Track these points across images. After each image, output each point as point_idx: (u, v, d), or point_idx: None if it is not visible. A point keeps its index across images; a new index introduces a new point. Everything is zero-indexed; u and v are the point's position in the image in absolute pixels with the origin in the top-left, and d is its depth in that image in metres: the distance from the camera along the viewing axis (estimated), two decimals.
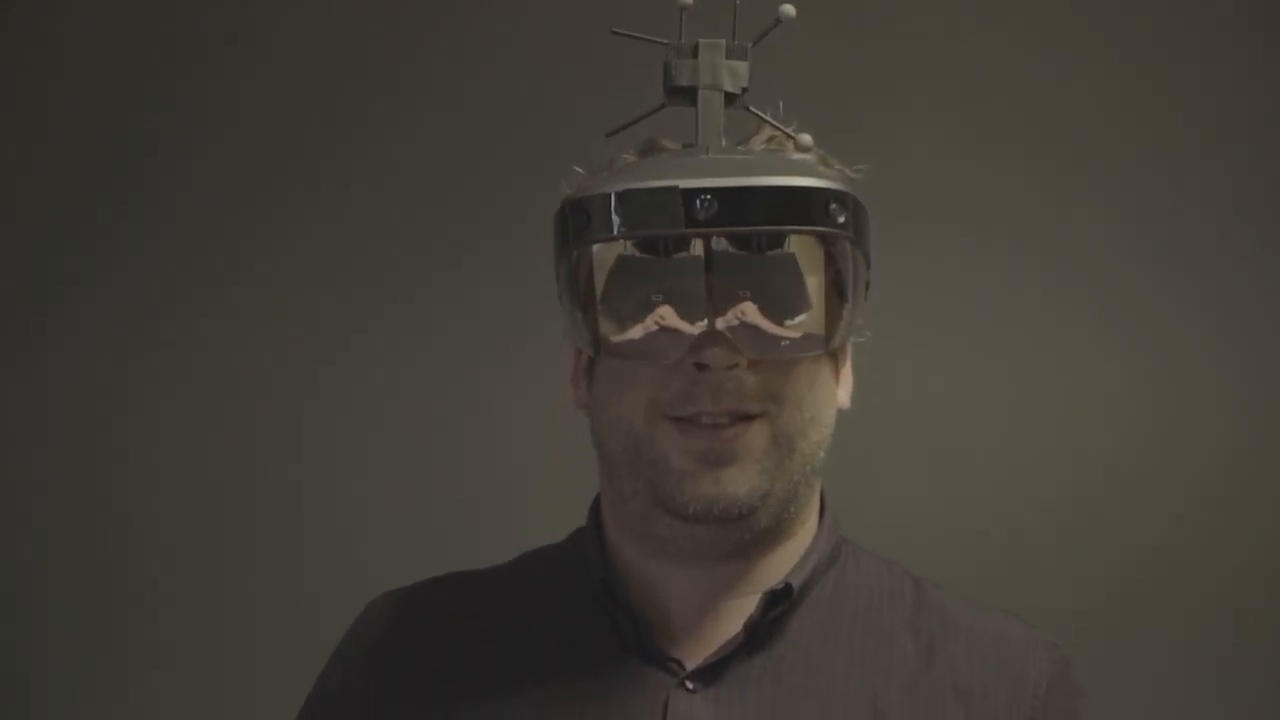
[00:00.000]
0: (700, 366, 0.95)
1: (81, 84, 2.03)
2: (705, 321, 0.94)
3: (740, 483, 0.96)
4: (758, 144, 1.01)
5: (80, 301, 2.00)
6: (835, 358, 1.03)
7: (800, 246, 0.95)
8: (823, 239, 0.95)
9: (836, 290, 0.97)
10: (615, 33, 0.97)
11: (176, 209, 2.00)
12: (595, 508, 1.08)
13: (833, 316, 0.97)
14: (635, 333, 0.96)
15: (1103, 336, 1.93)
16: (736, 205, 0.89)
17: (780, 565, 1.02)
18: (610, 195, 0.91)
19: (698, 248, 0.93)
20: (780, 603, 1.01)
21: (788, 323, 0.96)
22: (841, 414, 1.04)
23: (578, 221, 0.93)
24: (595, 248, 0.96)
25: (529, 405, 1.89)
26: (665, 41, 0.96)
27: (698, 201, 0.89)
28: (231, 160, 2.00)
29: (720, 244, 0.93)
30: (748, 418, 0.96)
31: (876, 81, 1.96)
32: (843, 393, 1.05)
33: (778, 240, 0.94)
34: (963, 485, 1.91)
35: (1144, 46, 1.97)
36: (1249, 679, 1.89)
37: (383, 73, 2.00)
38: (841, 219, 0.92)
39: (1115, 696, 1.83)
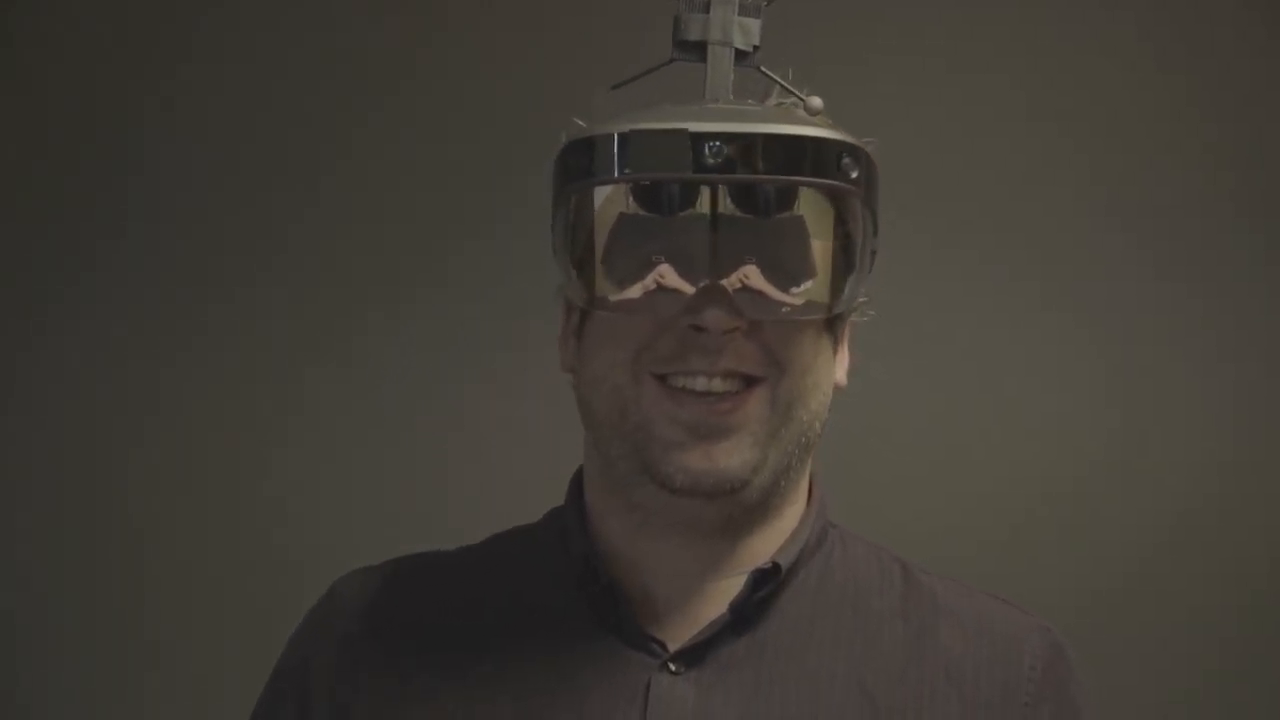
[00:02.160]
0: (697, 329, 0.91)
1: (81, 84, 2.02)
2: (707, 280, 0.90)
3: (733, 456, 0.93)
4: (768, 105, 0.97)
5: (80, 301, 2.00)
6: (835, 332, 0.99)
7: (808, 208, 0.92)
8: (832, 197, 0.92)
9: (844, 254, 0.93)
10: None
11: (176, 210, 2.00)
12: (575, 483, 1.04)
13: (837, 282, 0.93)
14: (634, 292, 0.92)
15: (1093, 334, 1.93)
16: (746, 152, 0.85)
17: (767, 545, 0.99)
18: (614, 135, 0.87)
19: (702, 205, 0.90)
20: (768, 583, 0.98)
21: (792, 290, 0.93)
22: (838, 399, 1.01)
23: (579, 162, 0.89)
24: (597, 203, 0.92)
25: (531, 407, 1.88)
26: None
27: (707, 147, 0.85)
28: (231, 162, 2.00)
29: (726, 207, 0.89)
30: (751, 382, 0.93)
31: (851, 71, 1.92)
32: (840, 371, 1.01)
33: (786, 202, 0.91)
34: (956, 483, 1.91)
35: (1145, 43, 1.96)
36: (1244, 676, 1.88)
37: (384, 75, 2.00)
38: (854, 174, 0.88)
39: (1112, 693, 1.84)
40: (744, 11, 0.93)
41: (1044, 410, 1.92)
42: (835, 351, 1.00)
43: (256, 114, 2.01)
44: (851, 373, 1.03)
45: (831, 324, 0.98)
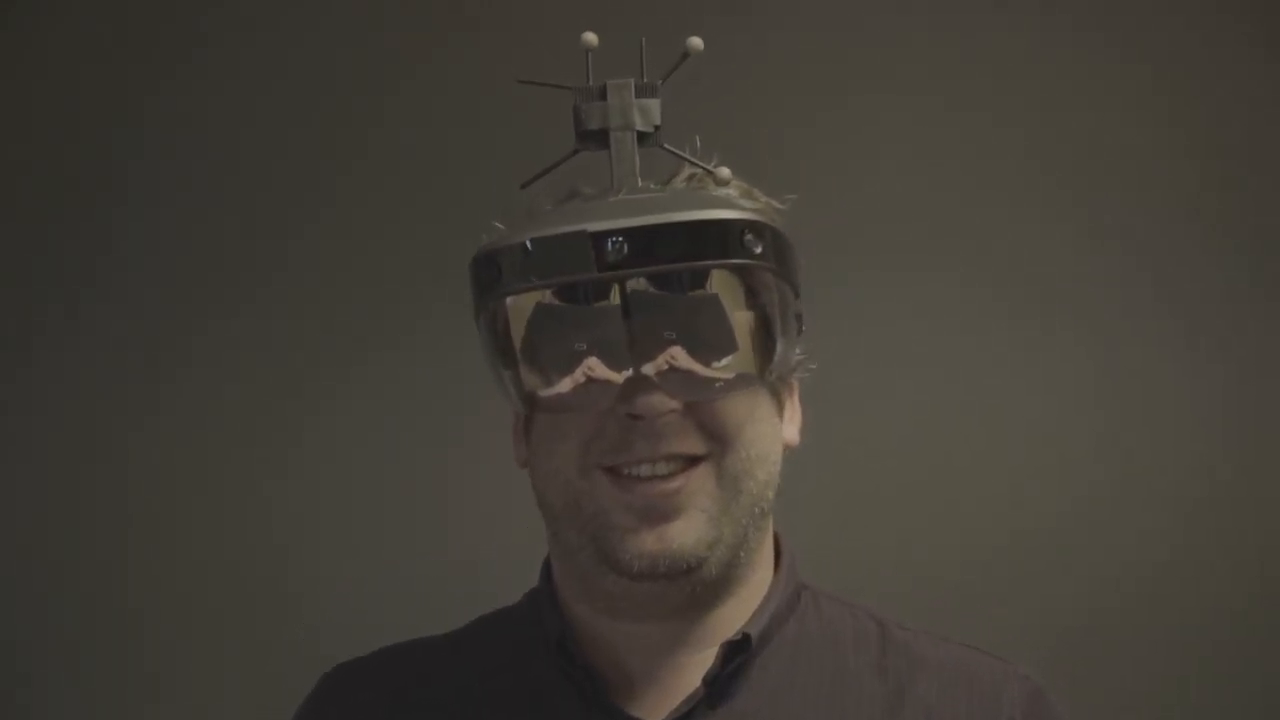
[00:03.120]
0: (634, 417, 0.92)
1: (82, 83, 2.03)
2: (631, 370, 0.91)
3: (686, 535, 0.94)
4: (679, 182, 0.99)
5: (80, 302, 2.00)
6: (777, 394, 1.00)
7: (723, 284, 0.93)
8: (741, 272, 0.92)
9: (764, 325, 0.94)
10: (521, 81, 0.96)
11: (177, 212, 2.00)
12: (547, 566, 1.06)
13: (762, 353, 0.94)
14: (564, 386, 0.94)
15: (1078, 336, 1.91)
16: (648, 244, 0.87)
17: (737, 615, 1.01)
18: (518, 245, 0.89)
19: (615, 296, 0.91)
20: (739, 654, 0.99)
21: (716, 364, 0.94)
22: (796, 451, 1.02)
23: (489, 274, 0.91)
24: (510, 300, 0.93)
25: None
26: (571, 86, 0.95)
27: (608, 244, 0.87)
28: (234, 165, 2.00)
29: (641, 284, 0.90)
30: (693, 461, 0.94)
31: (839, 83, 1.93)
32: (791, 429, 1.03)
33: (700, 279, 0.92)
34: (939, 490, 1.89)
35: (1133, 43, 1.94)
36: (1238, 680, 1.87)
37: (388, 82, 1.99)
38: (758, 249, 0.89)
39: (1104, 696, 1.85)
40: (641, 93, 0.94)
41: (1029, 415, 1.90)
42: (781, 412, 1.01)
43: (260, 116, 2.01)
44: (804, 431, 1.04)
45: (773, 388, 0.99)
